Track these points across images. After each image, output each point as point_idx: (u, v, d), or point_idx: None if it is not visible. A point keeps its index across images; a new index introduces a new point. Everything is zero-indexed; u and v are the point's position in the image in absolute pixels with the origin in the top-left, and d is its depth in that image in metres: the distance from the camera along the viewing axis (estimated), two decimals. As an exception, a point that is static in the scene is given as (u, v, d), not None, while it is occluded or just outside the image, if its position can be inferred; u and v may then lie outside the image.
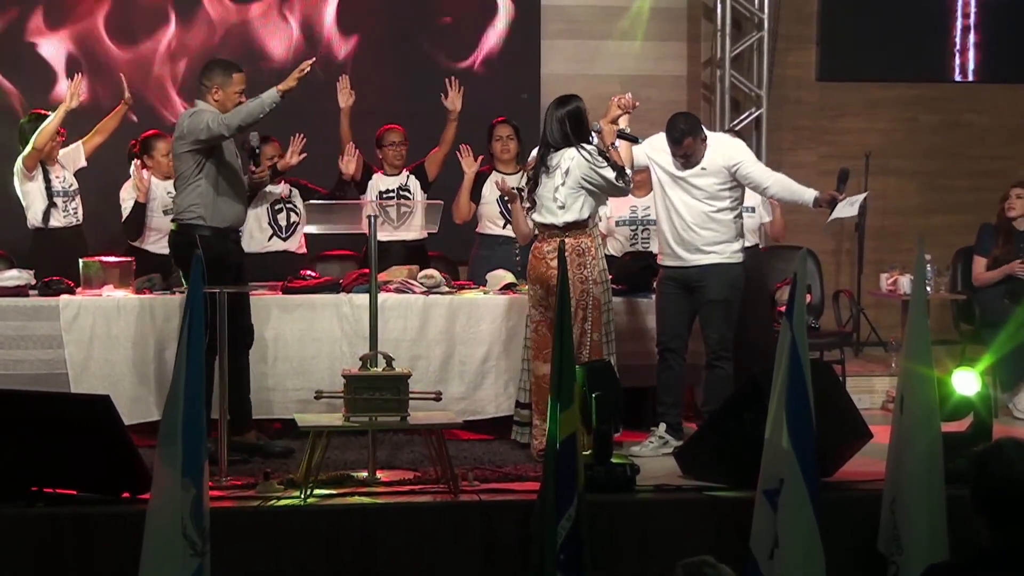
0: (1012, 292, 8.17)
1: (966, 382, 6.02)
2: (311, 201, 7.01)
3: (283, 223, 7.87)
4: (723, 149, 6.79)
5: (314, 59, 6.59)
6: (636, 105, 6.75)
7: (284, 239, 7.89)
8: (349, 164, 7.80)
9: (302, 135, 7.66)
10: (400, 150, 7.96)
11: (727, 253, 6.77)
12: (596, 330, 6.48)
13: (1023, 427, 7.62)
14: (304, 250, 8.02)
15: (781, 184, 6.81)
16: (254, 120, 6.36)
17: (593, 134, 6.54)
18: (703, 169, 6.74)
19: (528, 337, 6.71)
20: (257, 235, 7.83)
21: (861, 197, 7.02)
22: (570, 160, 6.45)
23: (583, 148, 6.44)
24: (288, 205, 7.87)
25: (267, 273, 7.38)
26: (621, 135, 6.60)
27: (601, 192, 6.52)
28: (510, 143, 7.92)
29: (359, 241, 7.82)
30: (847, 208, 6.81)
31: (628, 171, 6.54)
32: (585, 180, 6.44)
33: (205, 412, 4.78)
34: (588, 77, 9.43)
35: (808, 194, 6.78)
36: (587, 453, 5.60)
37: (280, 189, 7.86)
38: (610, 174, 6.42)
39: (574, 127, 6.48)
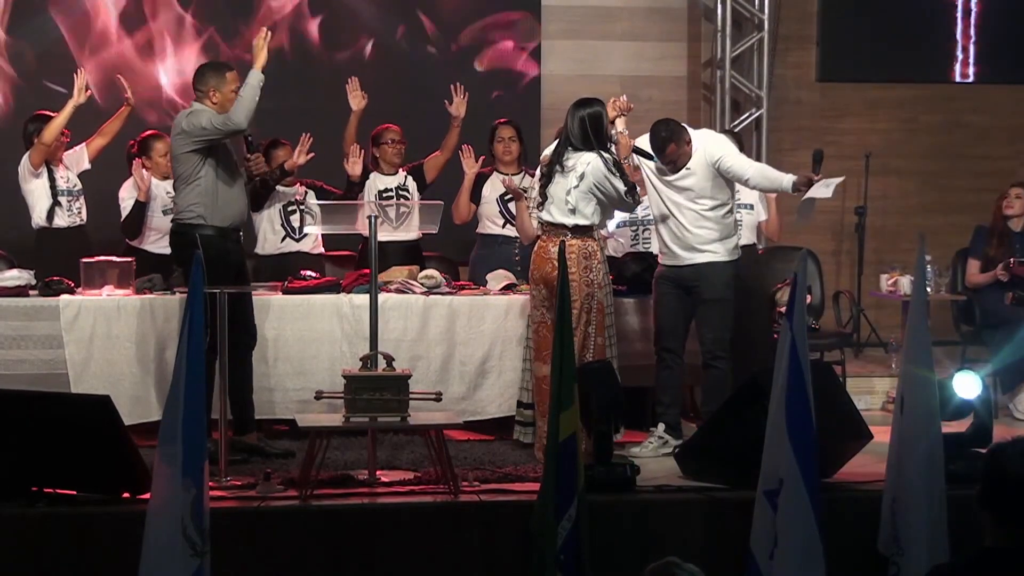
0: (1021, 297, 8.12)
1: (967, 385, 6.02)
2: (313, 202, 6.99)
3: (296, 224, 7.84)
4: (706, 146, 6.78)
5: (267, 28, 6.70)
6: (631, 108, 6.75)
7: (297, 240, 7.87)
8: (355, 166, 7.77)
9: (310, 135, 7.64)
10: (398, 147, 7.92)
11: (722, 252, 6.77)
12: (600, 333, 6.48)
13: (1023, 428, 7.63)
14: (321, 250, 8.00)
15: (761, 173, 6.82)
16: (255, 104, 6.38)
17: (610, 144, 6.54)
18: (688, 169, 6.74)
19: (529, 338, 6.70)
20: (270, 237, 7.83)
21: (836, 180, 6.97)
22: (586, 165, 6.43)
23: (602, 155, 6.44)
24: (301, 207, 7.84)
25: (282, 275, 7.38)
26: (637, 151, 6.58)
27: (609, 203, 6.51)
28: (512, 144, 7.90)
29: (357, 241, 7.84)
30: (822, 189, 6.78)
31: (638, 188, 6.57)
32: (597, 187, 6.43)
33: (205, 412, 4.79)
34: (588, 77, 9.41)
35: (786, 180, 6.77)
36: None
37: (294, 191, 7.85)
38: (620, 186, 6.42)
39: (594, 130, 6.46)
